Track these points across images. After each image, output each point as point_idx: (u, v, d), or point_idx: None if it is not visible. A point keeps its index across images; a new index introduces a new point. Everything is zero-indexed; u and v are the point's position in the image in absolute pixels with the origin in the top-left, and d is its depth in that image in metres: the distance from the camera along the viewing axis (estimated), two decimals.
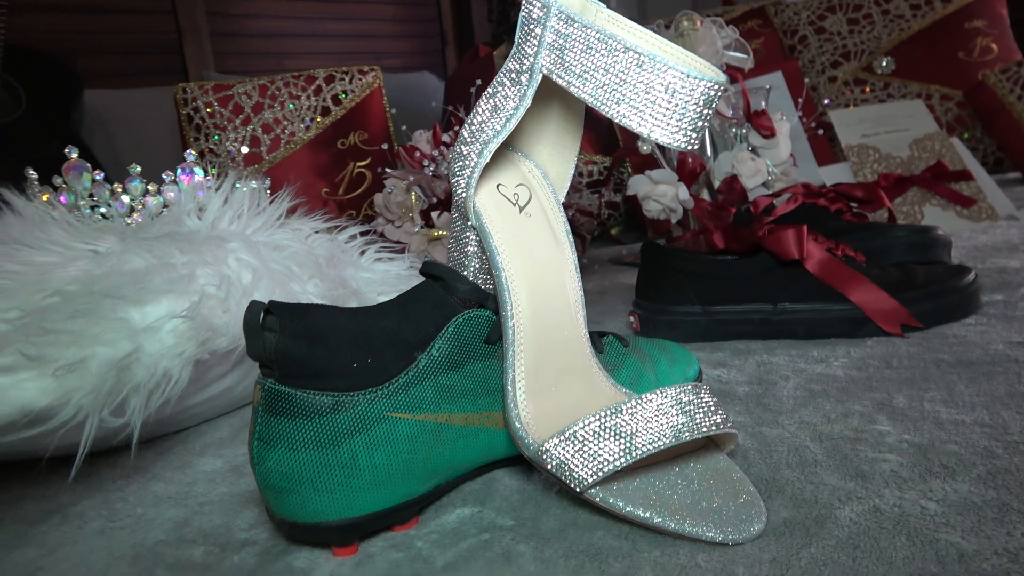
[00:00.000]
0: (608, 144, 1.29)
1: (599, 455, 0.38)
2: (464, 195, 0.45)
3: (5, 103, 1.23)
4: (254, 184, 1.09)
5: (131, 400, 0.42)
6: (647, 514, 0.38)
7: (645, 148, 1.01)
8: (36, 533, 0.46)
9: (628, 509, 0.38)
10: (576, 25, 0.39)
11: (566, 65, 0.39)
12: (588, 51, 0.38)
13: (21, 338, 0.37)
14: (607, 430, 0.39)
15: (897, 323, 0.64)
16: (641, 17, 1.91)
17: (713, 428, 0.40)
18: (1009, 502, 0.37)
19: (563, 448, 0.39)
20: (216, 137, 1.06)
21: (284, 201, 0.67)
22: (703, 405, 0.41)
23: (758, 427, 0.49)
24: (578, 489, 0.39)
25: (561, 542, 0.38)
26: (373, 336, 0.41)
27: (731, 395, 0.55)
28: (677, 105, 0.37)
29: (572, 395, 0.44)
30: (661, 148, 1.03)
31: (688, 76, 0.36)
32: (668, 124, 0.37)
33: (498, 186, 0.47)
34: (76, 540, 0.44)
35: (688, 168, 0.98)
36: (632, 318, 0.72)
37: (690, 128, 0.37)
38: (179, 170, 0.66)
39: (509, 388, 0.42)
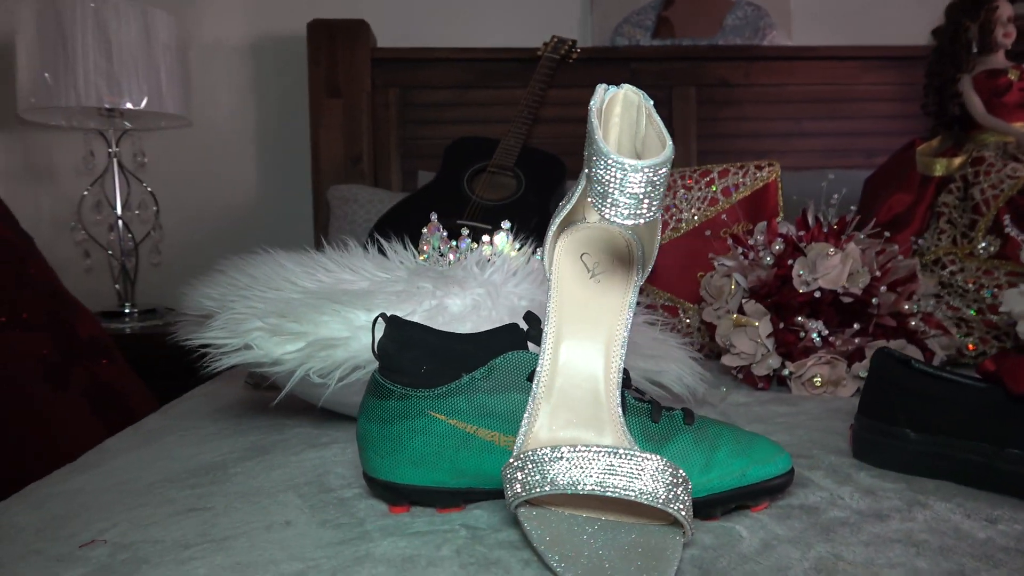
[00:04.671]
0: None
1: (537, 479, 0.44)
2: (542, 254, 0.54)
3: (512, 187, 1.66)
4: None
5: (335, 372, 0.64)
6: (542, 547, 0.42)
7: None
8: (307, 448, 0.71)
9: (531, 531, 0.43)
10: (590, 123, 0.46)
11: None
12: (588, 143, 0.45)
13: (275, 314, 0.63)
14: (558, 462, 0.44)
15: None
16: None
17: (661, 506, 0.41)
18: None
19: (519, 464, 0.45)
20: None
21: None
22: (674, 489, 0.42)
23: (787, 544, 0.44)
24: (509, 504, 0.45)
25: (484, 546, 0.45)
26: (444, 353, 0.54)
27: (814, 512, 0.48)
28: (617, 188, 0.41)
29: (576, 436, 0.48)
30: None
31: (618, 163, 0.40)
32: (611, 206, 0.41)
33: (583, 255, 0.54)
34: (314, 455, 0.68)
35: None
36: (849, 431, 0.64)
37: (629, 209, 0.41)
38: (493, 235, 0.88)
39: (525, 417, 0.50)
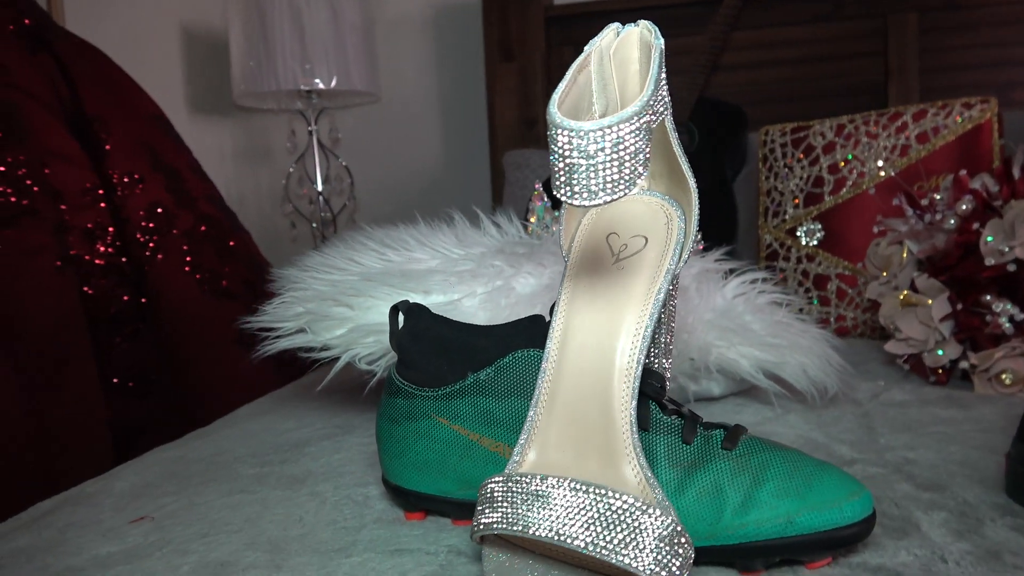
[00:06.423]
0: None
1: (498, 513, 0.37)
2: (560, 237, 0.46)
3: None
4: (811, 226, 1.10)
5: (382, 360, 0.61)
6: None
7: None
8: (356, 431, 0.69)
9: (487, 573, 0.36)
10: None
11: None
12: None
13: (323, 297, 0.60)
14: (525, 497, 0.37)
15: None
16: None
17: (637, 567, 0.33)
18: None
19: (486, 490, 0.38)
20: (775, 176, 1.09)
21: None
22: (668, 553, 0.33)
23: None
24: (471, 534, 0.38)
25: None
26: (457, 348, 0.48)
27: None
28: (562, 158, 0.32)
29: (578, 461, 0.40)
30: None
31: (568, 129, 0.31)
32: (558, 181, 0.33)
33: (609, 236, 0.45)
34: (355, 445, 0.66)
35: None
36: (1004, 460, 0.48)
37: (566, 183, 0.32)
38: None
39: (523, 430, 0.42)
